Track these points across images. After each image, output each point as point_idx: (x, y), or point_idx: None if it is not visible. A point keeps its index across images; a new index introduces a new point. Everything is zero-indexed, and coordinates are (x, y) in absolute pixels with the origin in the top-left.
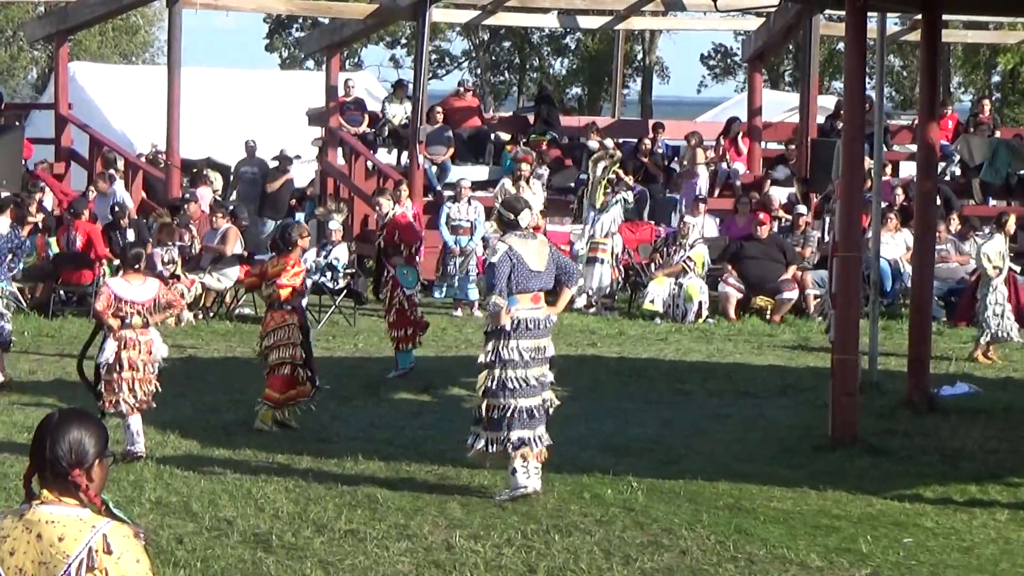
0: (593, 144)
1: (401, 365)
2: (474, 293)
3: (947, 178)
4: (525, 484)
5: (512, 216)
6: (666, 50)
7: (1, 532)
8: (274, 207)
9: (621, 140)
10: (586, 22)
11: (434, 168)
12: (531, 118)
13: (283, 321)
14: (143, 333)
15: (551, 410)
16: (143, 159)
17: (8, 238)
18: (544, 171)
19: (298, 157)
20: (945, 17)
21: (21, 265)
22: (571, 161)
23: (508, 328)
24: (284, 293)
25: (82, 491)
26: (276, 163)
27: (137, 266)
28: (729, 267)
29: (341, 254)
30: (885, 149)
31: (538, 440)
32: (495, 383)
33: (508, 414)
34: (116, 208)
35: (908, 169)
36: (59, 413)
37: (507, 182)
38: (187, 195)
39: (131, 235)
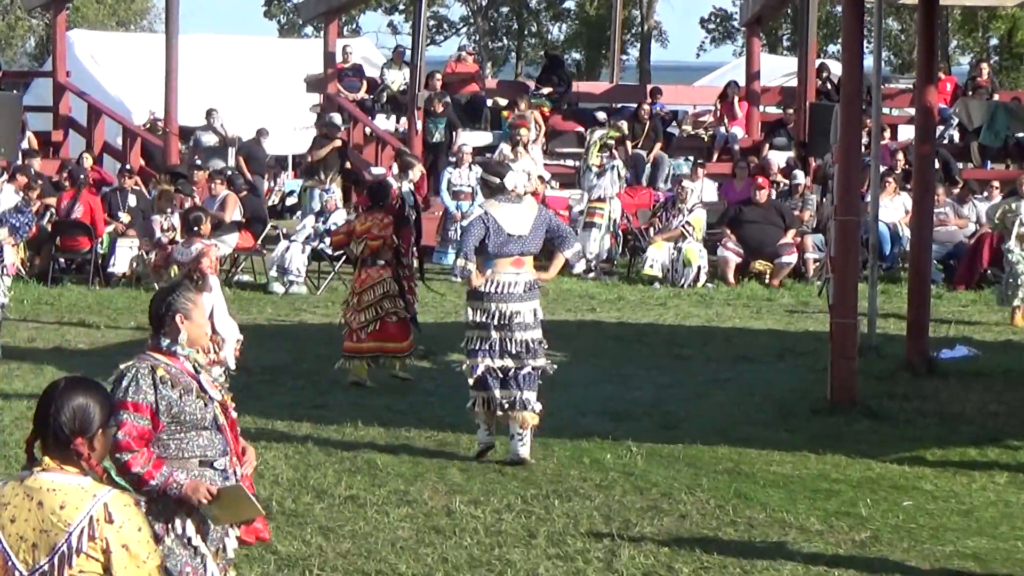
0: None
1: None
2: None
3: (945, 141)
4: (486, 440)
5: (497, 180)
6: (664, 14)
7: (2, 499)
8: (328, 175)
9: (620, 105)
10: None
11: None
12: (532, 84)
13: (379, 276)
14: None
15: (537, 375)
16: (142, 127)
17: (16, 210)
18: (539, 136)
19: (346, 123)
20: None
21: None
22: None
23: (484, 291)
24: (374, 245)
25: (84, 460)
26: (322, 129)
27: (196, 228)
28: (728, 231)
29: (340, 221)
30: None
31: (524, 403)
32: (473, 343)
33: (482, 374)
34: (126, 168)
35: (907, 133)
36: (65, 380)
37: (506, 147)
38: (197, 161)
39: (132, 200)
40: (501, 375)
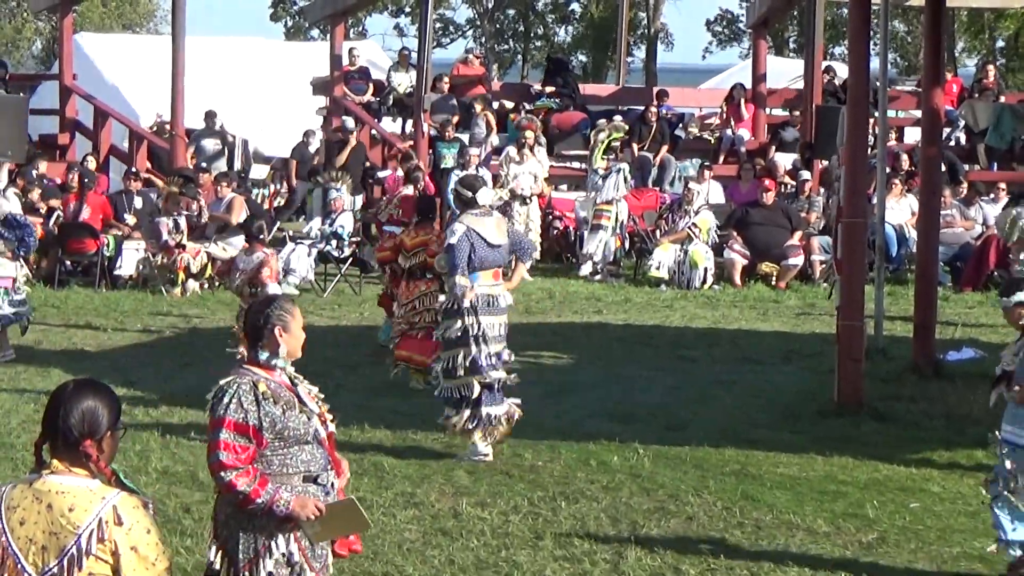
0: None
1: None
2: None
3: (951, 143)
4: (487, 452)
5: (470, 194)
6: (671, 17)
7: (11, 502)
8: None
9: (626, 108)
10: None
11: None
12: (539, 85)
13: (428, 288)
14: (247, 301)
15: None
16: (149, 129)
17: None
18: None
19: (358, 126)
20: None
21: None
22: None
23: (470, 306)
24: (432, 260)
25: (93, 462)
26: (335, 135)
27: (260, 236)
28: (734, 233)
29: (346, 223)
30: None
31: (503, 416)
32: (467, 361)
33: (478, 391)
34: (132, 171)
35: (912, 135)
36: (73, 383)
37: (511, 150)
38: (202, 164)
39: (138, 202)
40: (494, 391)
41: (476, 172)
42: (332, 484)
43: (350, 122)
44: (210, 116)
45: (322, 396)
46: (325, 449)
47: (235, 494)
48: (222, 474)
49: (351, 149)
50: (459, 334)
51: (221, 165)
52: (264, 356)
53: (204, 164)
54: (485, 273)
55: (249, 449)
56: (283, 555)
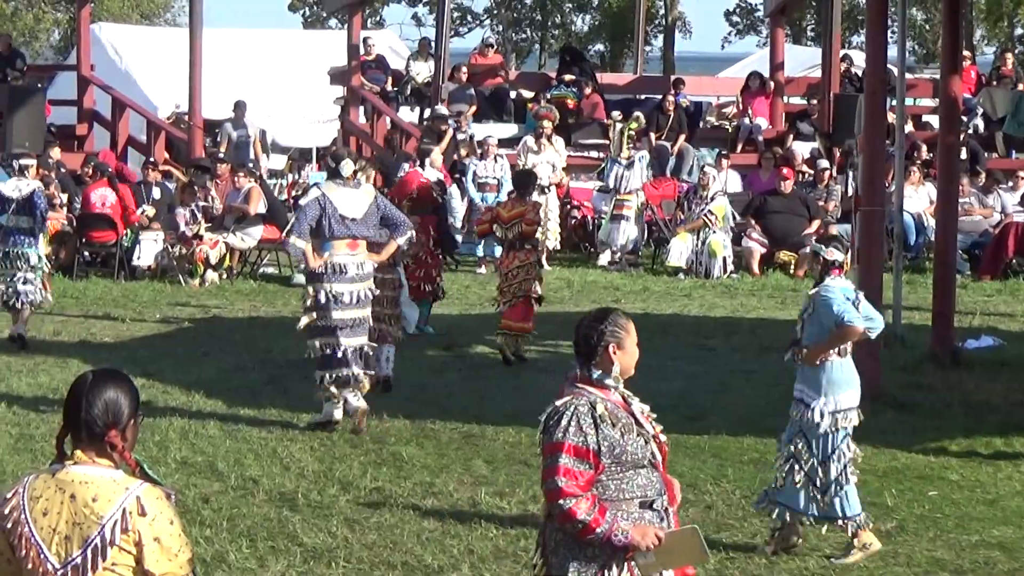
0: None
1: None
2: (499, 250)
3: (970, 131)
4: (336, 415)
5: (334, 165)
6: (688, 5)
7: (33, 492)
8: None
9: (644, 96)
10: None
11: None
12: (553, 74)
13: (527, 259)
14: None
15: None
16: (167, 120)
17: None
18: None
19: (458, 114)
20: None
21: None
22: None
23: (321, 272)
24: (529, 230)
25: (118, 451)
26: (430, 122)
27: None
28: (752, 222)
29: None
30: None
31: (356, 378)
32: (319, 324)
33: (339, 353)
34: (150, 161)
35: (931, 123)
36: (93, 373)
37: (529, 139)
38: (220, 155)
39: (156, 192)
40: (350, 353)
41: (495, 161)
42: (666, 509)
43: (442, 109)
44: (238, 106)
45: (654, 415)
46: (660, 472)
47: (573, 524)
48: (561, 502)
49: (448, 140)
50: (310, 300)
51: (248, 156)
52: (597, 374)
53: (226, 154)
54: (339, 243)
55: (588, 475)
56: None
